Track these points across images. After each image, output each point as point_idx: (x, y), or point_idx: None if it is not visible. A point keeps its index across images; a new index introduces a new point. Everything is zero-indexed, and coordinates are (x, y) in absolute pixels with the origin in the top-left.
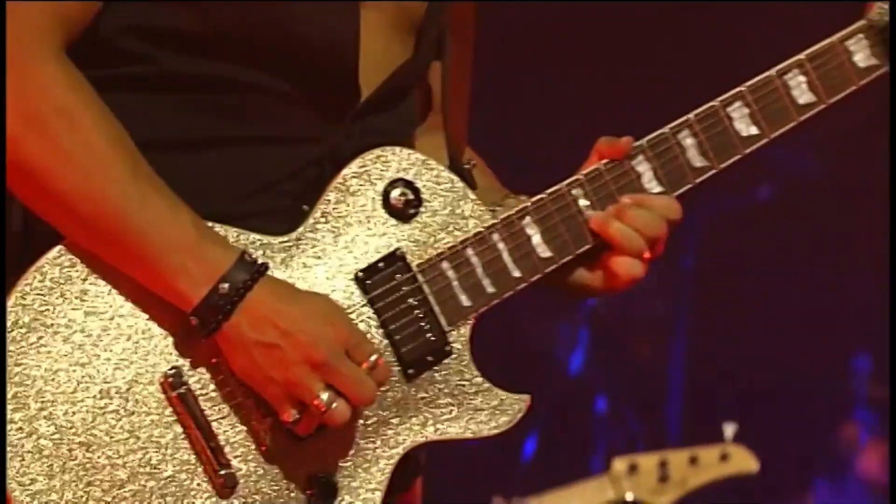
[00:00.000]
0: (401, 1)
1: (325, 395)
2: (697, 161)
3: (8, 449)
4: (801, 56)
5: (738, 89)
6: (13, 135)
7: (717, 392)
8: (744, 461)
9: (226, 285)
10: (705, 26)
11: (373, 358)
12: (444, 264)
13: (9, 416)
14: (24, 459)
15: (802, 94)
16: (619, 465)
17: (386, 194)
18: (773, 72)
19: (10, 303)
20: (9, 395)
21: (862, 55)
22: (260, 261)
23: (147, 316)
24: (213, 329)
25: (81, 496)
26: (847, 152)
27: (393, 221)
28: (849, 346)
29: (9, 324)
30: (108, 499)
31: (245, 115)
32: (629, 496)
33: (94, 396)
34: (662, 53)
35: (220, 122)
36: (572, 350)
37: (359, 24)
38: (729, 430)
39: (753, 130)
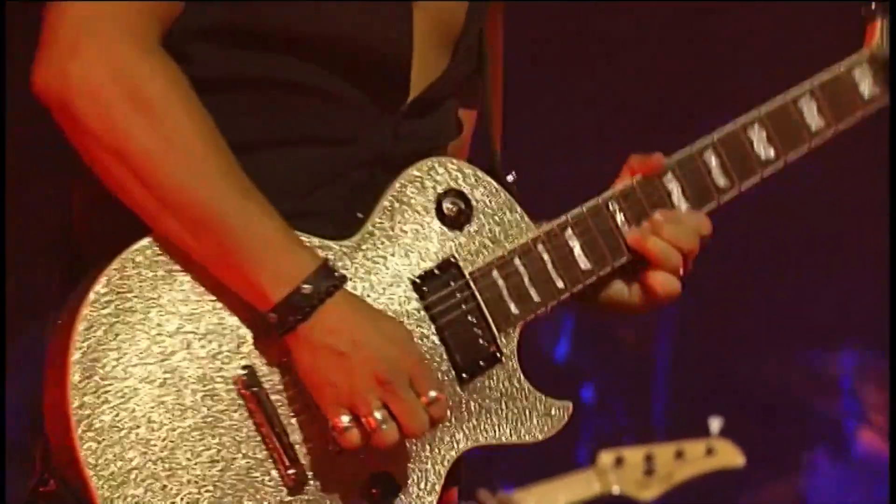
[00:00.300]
0: (443, 1)
1: (379, 414)
2: (721, 181)
3: (90, 436)
4: (813, 83)
5: (755, 113)
6: (119, 118)
7: (703, 381)
8: (730, 455)
9: (309, 287)
10: (706, 32)
11: (433, 393)
12: (495, 273)
13: (92, 404)
14: (103, 447)
15: (814, 121)
16: (606, 458)
17: (439, 204)
18: (788, 98)
19: (95, 290)
20: (90, 385)
21: (866, 85)
22: (338, 272)
23: (222, 314)
24: (290, 328)
25: (156, 485)
26: (836, 142)
27: (446, 230)
28: (834, 338)
29: (92, 312)
30: (183, 489)
31: (296, 115)
32: (615, 489)
33: (171, 391)
34: (666, 60)
35: (272, 122)
36: (557, 338)
37: (412, 25)
38: (715, 424)
39: (771, 154)
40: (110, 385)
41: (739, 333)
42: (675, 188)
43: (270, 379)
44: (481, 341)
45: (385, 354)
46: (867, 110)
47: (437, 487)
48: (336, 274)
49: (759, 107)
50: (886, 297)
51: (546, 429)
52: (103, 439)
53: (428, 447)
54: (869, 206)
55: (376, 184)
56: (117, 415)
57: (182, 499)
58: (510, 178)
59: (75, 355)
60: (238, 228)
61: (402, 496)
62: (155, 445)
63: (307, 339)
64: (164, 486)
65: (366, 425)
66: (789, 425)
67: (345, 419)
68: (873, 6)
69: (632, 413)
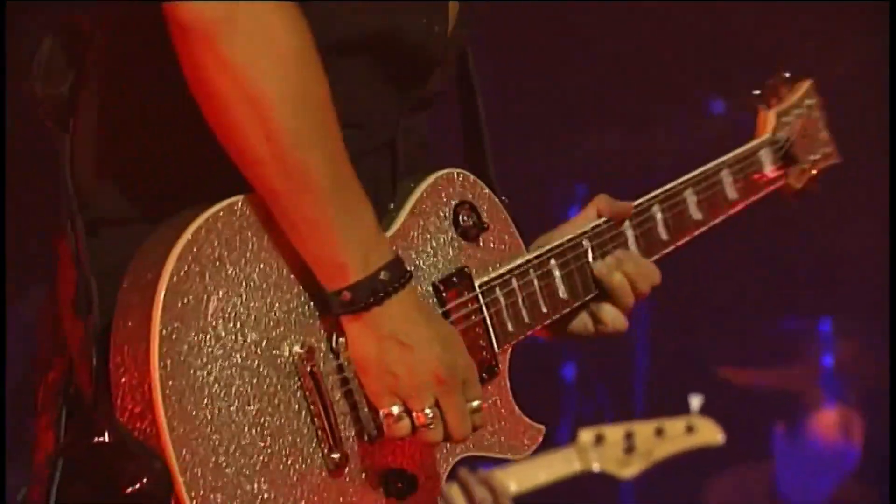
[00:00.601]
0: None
1: (430, 412)
2: (664, 235)
3: (161, 394)
4: (729, 157)
5: (690, 176)
6: (257, 60)
7: (682, 360)
8: (709, 433)
9: (387, 274)
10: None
11: (476, 403)
12: (498, 289)
13: (165, 363)
14: (181, 401)
15: (731, 193)
16: (586, 436)
17: (455, 214)
18: (711, 168)
19: (183, 241)
20: (162, 344)
21: (769, 164)
22: (408, 269)
23: (288, 289)
24: (362, 308)
25: (209, 445)
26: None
27: (461, 241)
28: (814, 315)
29: (177, 266)
30: (232, 452)
31: (337, 96)
32: (595, 467)
33: (239, 357)
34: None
35: None
36: None
37: (448, 19)
38: (695, 402)
39: (700, 217)
40: (192, 340)
41: (719, 313)
42: (630, 235)
43: (326, 359)
44: (485, 353)
45: (447, 356)
46: (770, 189)
47: (439, 489)
48: (406, 269)
49: (691, 172)
50: (864, 274)
51: (523, 450)
52: (181, 392)
53: (443, 453)
54: (848, 184)
55: (387, 174)
56: (194, 372)
57: (234, 462)
58: (504, 199)
59: (159, 309)
60: (337, 201)
61: (417, 495)
62: (223, 411)
63: (375, 325)
64: (227, 448)
65: (416, 420)
66: (764, 406)
67: (396, 409)
68: (757, 93)
69: (612, 392)
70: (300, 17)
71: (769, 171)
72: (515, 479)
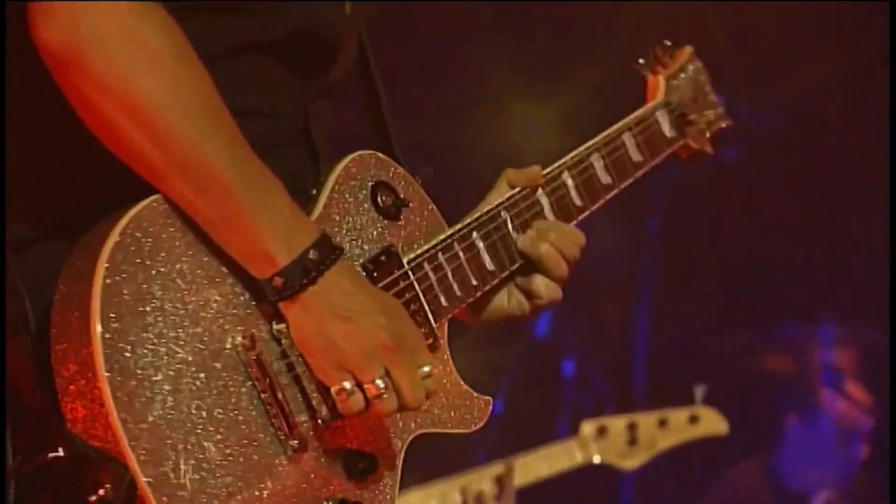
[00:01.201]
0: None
1: (381, 382)
2: (578, 201)
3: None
4: (629, 119)
5: (593, 141)
6: (131, 71)
7: (682, 353)
8: (713, 423)
9: (315, 253)
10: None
11: (427, 368)
12: (426, 265)
13: (110, 366)
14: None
15: (635, 153)
16: (588, 427)
17: (374, 195)
18: (613, 130)
19: (109, 244)
20: (105, 345)
21: (666, 125)
22: (336, 244)
23: (221, 281)
24: (296, 291)
25: (167, 443)
26: (812, 112)
27: (383, 220)
28: (814, 311)
29: (108, 270)
30: (191, 448)
31: (241, 87)
32: (597, 459)
33: (182, 353)
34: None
35: (227, 94)
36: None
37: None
38: (699, 392)
39: (608, 180)
40: (134, 341)
41: (718, 306)
42: (545, 202)
43: (268, 348)
44: (423, 329)
45: (390, 323)
46: (671, 149)
47: (399, 468)
48: (335, 244)
49: (596, 137)
50: (864, 272)
51: (474, 423)
52: (131, 391)
53: (397, 430)
54: (848, 183)
55: (306, 162)
56: (142, 372)
57: (194, 458)
58: (419, 178)
59: (97, 315)
60: (246, 192)
61: (378, 475)
62: (177, 409)
63: (313, 305)
64: (185, 444)
65: (368, 392)
66: (767, 397)
67: (347, 384)
68: (642, 62)
69: (612, 387)
70: (166, 16)
71: (668, 132)
72: (518, 472)
